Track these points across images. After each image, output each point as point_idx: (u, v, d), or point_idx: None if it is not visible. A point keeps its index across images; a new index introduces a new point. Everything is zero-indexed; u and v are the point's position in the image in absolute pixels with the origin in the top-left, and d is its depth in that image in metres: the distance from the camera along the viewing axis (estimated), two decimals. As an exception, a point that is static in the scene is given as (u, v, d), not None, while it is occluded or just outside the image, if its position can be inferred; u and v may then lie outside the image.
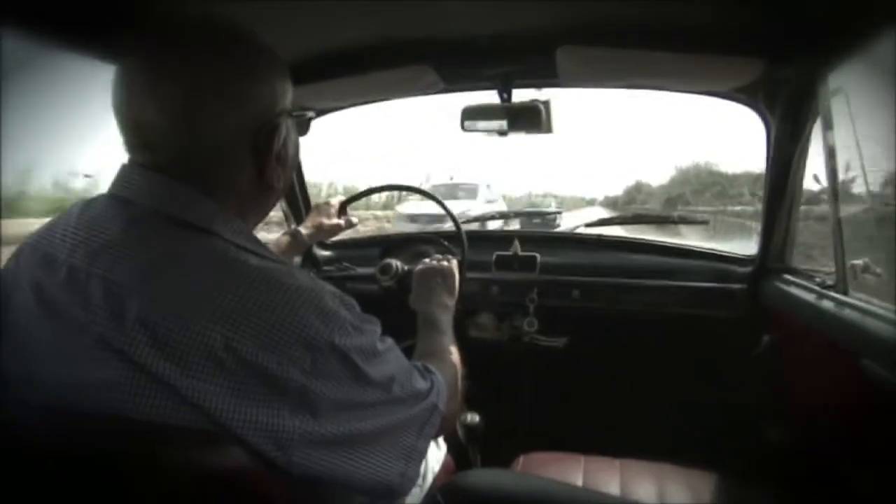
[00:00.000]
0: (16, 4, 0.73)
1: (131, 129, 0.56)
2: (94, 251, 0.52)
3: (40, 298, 0.52)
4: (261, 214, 0.67)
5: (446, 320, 0.99)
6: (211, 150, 0.56)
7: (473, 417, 1.23)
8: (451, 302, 1.06)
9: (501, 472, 1.02)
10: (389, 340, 0.62)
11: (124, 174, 0.57)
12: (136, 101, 0.54)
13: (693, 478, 1.07)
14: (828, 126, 1.06)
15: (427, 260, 1.18)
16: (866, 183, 1.07)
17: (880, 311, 0.92)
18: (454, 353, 0.88)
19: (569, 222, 2.19)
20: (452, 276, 1.11)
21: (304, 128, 0.70)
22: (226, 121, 0.56)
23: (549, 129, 1.29)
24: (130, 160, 0.57)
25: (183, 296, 0.49)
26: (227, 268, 0.52)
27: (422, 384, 0.64)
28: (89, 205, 0.57)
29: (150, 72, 0.54)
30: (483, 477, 0.95)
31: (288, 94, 0.62)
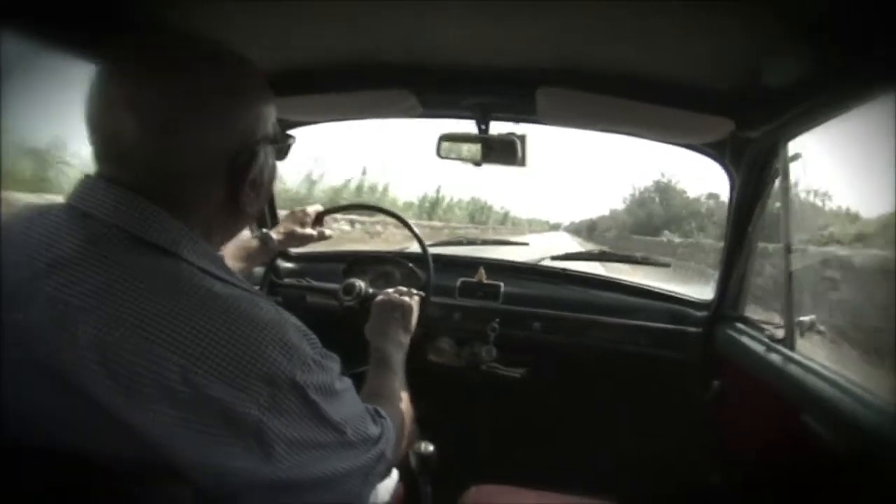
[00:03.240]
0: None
1: (103, 140, 0.53)
2: (44, 267, 0.48)
3: None
4: (228, 237, 0.64)
5: (399, 359, 0.98)
6: (184, 170, 0.54)
7: (427, 446, 1.21)
8: (405, 340, 1.05)
9: None
10: (347, 381, 0.60)
11: (87, 185, 0.53)
12: (112, 110, 0.51)
13: None
14: (785, 187, 1.11)
15: (390, 290, 1.16)
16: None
17: (823, 371, 0.96)
18: (404, 399, 0.86)
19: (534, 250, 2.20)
20: (411, 313, 1.10)
21: (283, 153, 0.68)
22: (205, 142, 0.53)
23: (522, 164, 1.30)
24: (96, 172, 0.54)
25: (142, 321, 0.46)
26: (190, 294, 0.49)
27: (374, 430, 0.62)
28: (43, 214, 0.53)
29: (131, 81, 0.51)
30: None
31: (271, 119, 0.61)
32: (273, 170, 0.64)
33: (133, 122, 0.50)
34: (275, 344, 0.50)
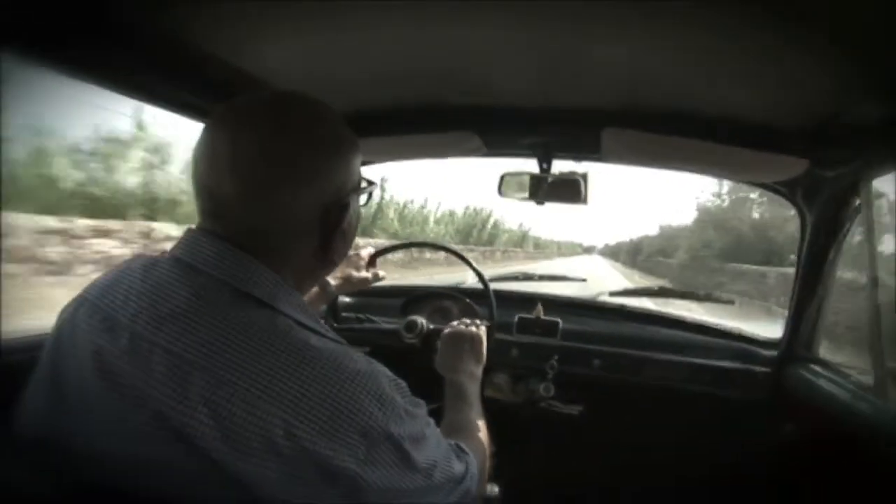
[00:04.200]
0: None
1: (206, 197, 0.55)
2: (160, 319, 0.50)
3: (100, 367, 0.50)
4: (314, 284, 0.67)
5: (474, 390, 0.98)
6: (282, 225, 0.56)
7: (493, 488, 1.19)
8: (478, 370, 1.05)
9: None
10: (432, 423, 0.61)
11: (193, 240, 0.56)
12: (215, 170, 0.54)
13: None
14: (869, 228, 1.07)
15: (455, 323, 1.17)
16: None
17: None
18: (482, 430, 0.86)
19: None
20: (481, 342, 1.10)
21: (367, 199, 0.70)
22: (301, 198, 0.56)
23: (585, 201, 1.30)
24: (199, 226, 0.57)
25: (249, 377, 0.48)
26: (290, 349, 0.51)
27: (458, 468, 0.63)
28: (153, 266, 0.56)
29: (230, 141, 0.54)
30: None
31: (359, 170, 0.63)
32: (359, 217, 0.67)
33: (232, 179, 0.53)
34: (370, 396, 0.51)
